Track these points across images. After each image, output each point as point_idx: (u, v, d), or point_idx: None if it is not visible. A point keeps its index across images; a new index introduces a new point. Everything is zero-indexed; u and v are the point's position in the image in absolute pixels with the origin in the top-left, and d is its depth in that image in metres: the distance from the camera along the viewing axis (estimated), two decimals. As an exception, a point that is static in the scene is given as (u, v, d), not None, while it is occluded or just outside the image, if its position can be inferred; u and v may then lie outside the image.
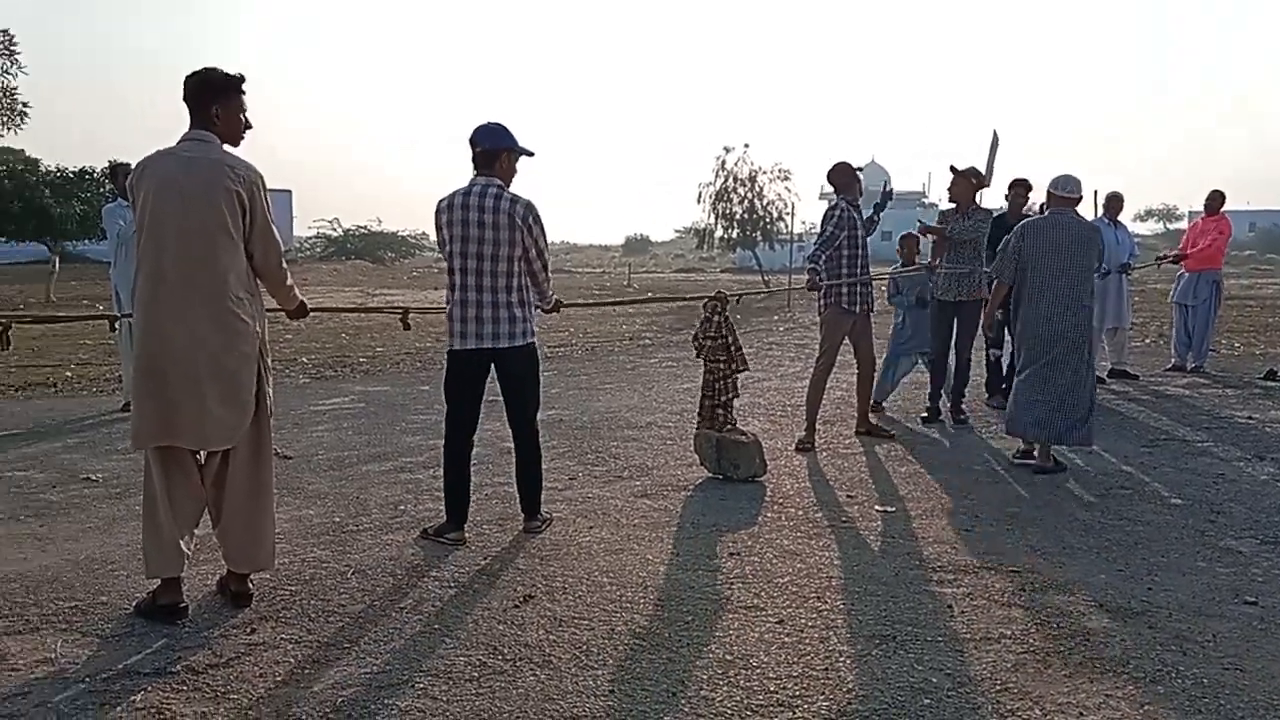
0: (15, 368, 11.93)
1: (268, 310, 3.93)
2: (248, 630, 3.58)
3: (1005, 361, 8.35)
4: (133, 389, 3.82)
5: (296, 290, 4.08)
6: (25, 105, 10.65)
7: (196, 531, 3.86)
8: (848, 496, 5.50)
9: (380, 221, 54.06)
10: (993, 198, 8.65)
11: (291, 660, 3.35)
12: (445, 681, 3.19)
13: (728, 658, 3.37)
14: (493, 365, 4.66)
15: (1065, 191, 6.13)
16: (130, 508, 5.18)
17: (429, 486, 5.59)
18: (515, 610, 3.79)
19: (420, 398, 9.00)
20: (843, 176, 6.80)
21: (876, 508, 5.27)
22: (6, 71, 10.52)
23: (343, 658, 3.37)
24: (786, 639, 3.53)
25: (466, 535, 4.65)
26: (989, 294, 7.85)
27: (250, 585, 3.88)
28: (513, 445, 4.88)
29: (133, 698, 3.06)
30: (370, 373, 11.19)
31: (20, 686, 3.13)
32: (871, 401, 7.51)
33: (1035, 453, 6.15)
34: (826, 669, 3.29)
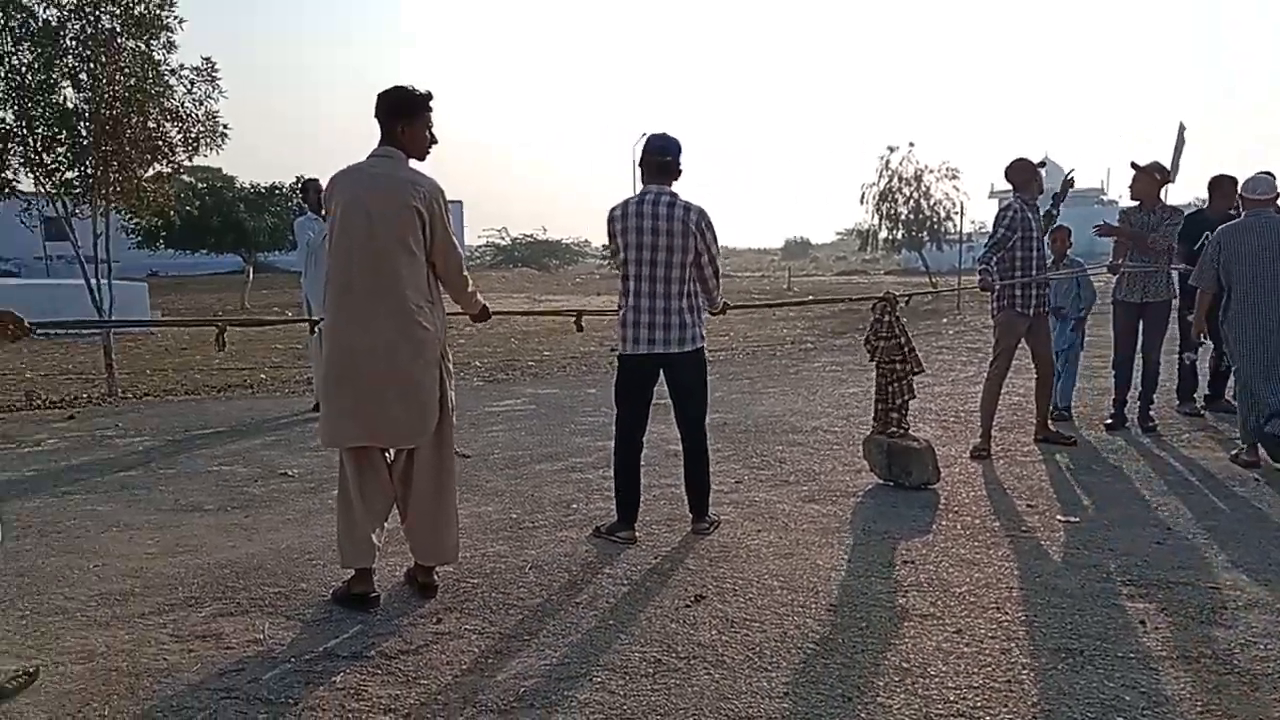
0: (217, 370, 12.86)
1: (450, 314, 4.12)
2: (434, 620, 3.76)
3: (1205, 366, 7.87)
4: (322, 392, 4.08)
5: (479, 295, 4.28)
6: (226, 127, 11.47)
7: (386, 525, 4.08)
8: (1027, 505, 5.30)
9: (545, 230, 55.63)
10: (1177, 194, 8.21)
11: (475, 649, 3.50)
12: (621, 676, 3.26)
13: (904, 665, 3.31)
14: (661, 370, 4.73)
15: (1259, 194, 5.88)
16: (323, 501, 5.51)
17: (599, 486, 5.71)
18: (687, 609, 3.83)
19: (587, 400, 9.20)
20: (1020, 174, 6.55)
21: (1059, 517, 5.06)
22: (209, 96, 11.33)
23: (523, 649, 3.50)
24: (965, 649, 3.44)
25: (637, 534, 4.74)
26: (1177, 295, 7.43)
27: (436, 577, 4.07)
28: (680, 448, 4.94)
29: (333, 679, 3.27)
30: (539, 376, 11.51)
31: (235, 663, 3.39)
32: (1052, 407, 7.21)
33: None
34: (1009, 681, 3.19)
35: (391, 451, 4.04)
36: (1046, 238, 6.91)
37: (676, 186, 4.71)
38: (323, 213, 8.69)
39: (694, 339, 4.68)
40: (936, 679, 3.21)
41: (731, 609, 3.83)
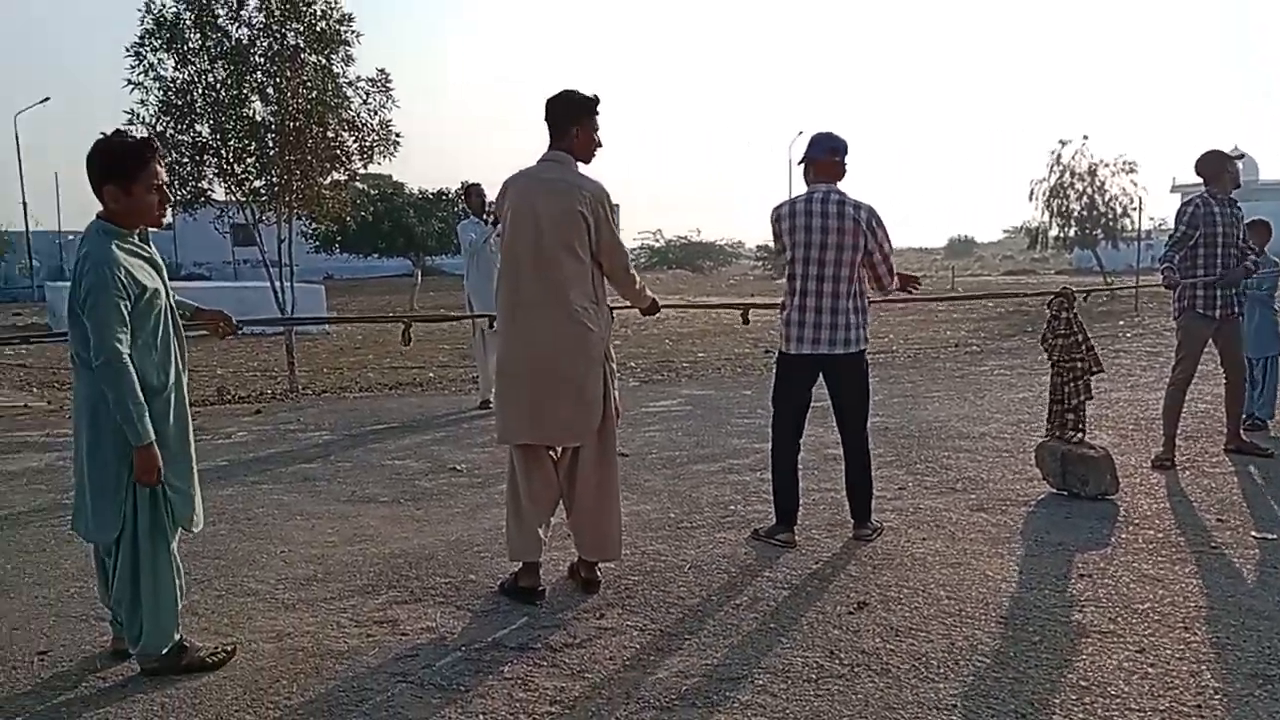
0: (388, 369, 13.46)
1: (616, 306, 4.19)
2: (597, 615, 3.83)
3: None
4: (495, 391, 4.25)
5: (647, 290, 4.37)
6: (398, 136, 12.03)
7: (552, 520, 4.17)
8: (1217, 520, 4.97)
9: (699, 232, 55.79)
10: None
11: (637, 646, 3.54)
12: (783, 680, 3.23)
13: (1082, 683, 3.16)
14: (821, 372, 4.68)
15: None
16: (490, 496, 5.69)
17: (756, 488, 5.68)
18: (850, 616, 3.77)
19: (743, 401, 9.18)
20: (1211, 166, 6.15)
21: (1253, 534, 4.72)
22: (383, 106, 11.92)
23: (683, 647, 3.52)
24: (1150, 669, 3.26)
25: (796, 538, 4.69)
26: None
27: (599, 573, 4.14)
28: (841, 451, 4.87)
29: (501, 668, 3.37)
30: (694, 377, 11.55)
31: (410, 649, 3.54)
32: (1246, 415, 6.73)
33: None
34: (1199, 705, 3.00)
35: (558, 449, 4.14)
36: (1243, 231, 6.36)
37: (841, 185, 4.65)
38: (484, 216, 9.02)
39: (859, 340, 4.61)
40: (1118, 699, 3.05)
41: (896, 617, 3.74)
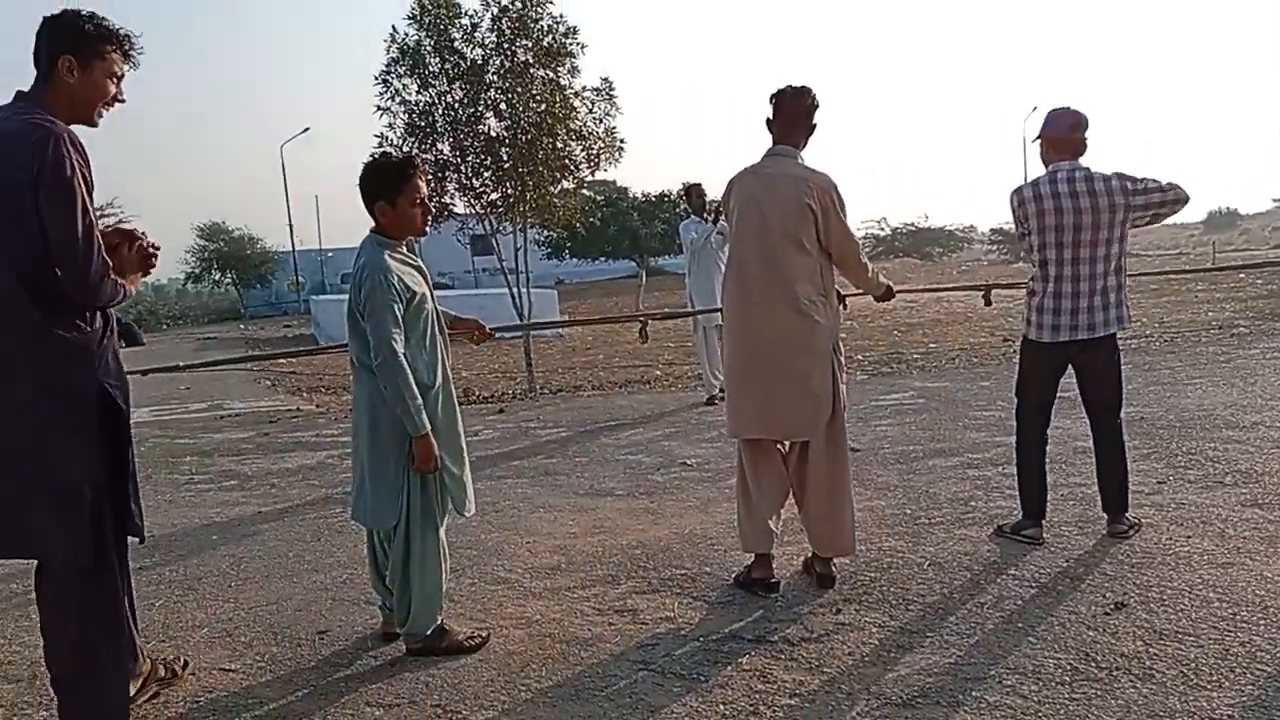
0: (619, 368, 13.87)
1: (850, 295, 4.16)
2: (834, 610, 3.80)
3: None
4: (727, 386, 4.32)
5: (880, 277, 4.33)
6: (622, 142, 12.39)
7: (783, 514, 4.18)
8: None
9: (928, 218, 53.92)
10: None
11: (875, 642, 3.49)
12: (1034, 681, 3.09)
13: (1384, 698, 2.84)
14: (1071, 361, 4.44)
15: None
16: (721, 490, 5.76)
17: (999, 483, 5.45)
18: (1106, 617, 3.55)
19: (980, 393, 8.80)
20: None
21: None
22: (608, 114, 12.31)
23: (924, 644, 3.43)
24: None
25: (1045, 535, 4.46)
26: None
27: (833, 568, 4.11)
28: (1091, 443, 4.59)
29: (739, 660, 3.41)
30: (925, 369, 11.20)
31: (650, 638, 3.65)
32: None
33: None
34: None
35: (787, 443, 4.15)
36: None
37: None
38: (704, 215, 9.13)
39: (1121, 319, 4.36)
40: None
41: (1159, 619, 3.50)
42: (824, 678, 3.23)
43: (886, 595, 3.92)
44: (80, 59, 2.83)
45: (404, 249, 3.60)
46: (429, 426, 3.43)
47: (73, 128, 2.81)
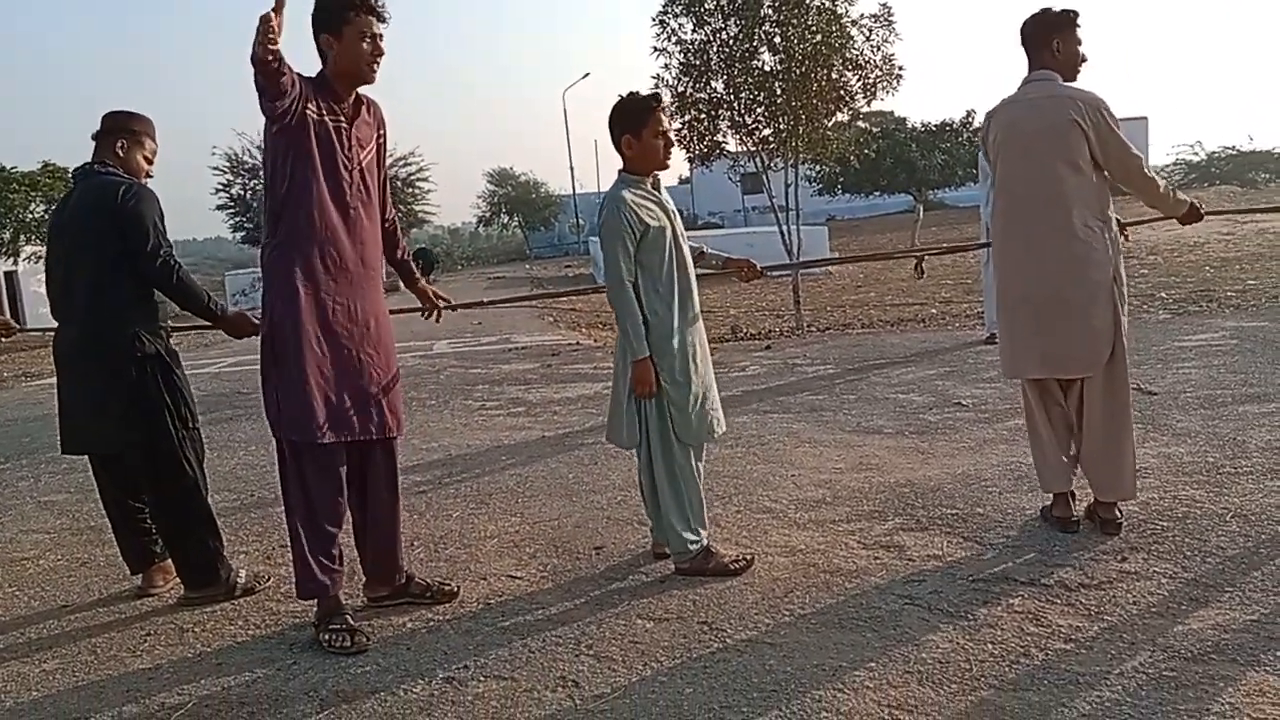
0: (890, 306, 13.52)
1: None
2: (1118, 557, 3.58)
3: None
4: (1000, 324, 4.14)
5: (1177, 193, 3.99)
6: (900, 69, 11.87)
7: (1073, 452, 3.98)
8: None
9: (1251, 139, 48.08)
10: None
11: (1164, 592, 3.26)
12: (1353, 648, 2.79)
13: None
14: None
15: None
16: (998, 431, 5.53)
17: (1324, 433, 4.88)
18: None
19: (1307, 335, 7.85)
20: None
21: None
22: (886, 41, 11.83)
23: (1221, 599, 3.17)
24: None
25: (1377, 491, 3.97)
26: None
27: (1118, 514, 3.86)
28: None
29: (1010, 600, 3.30)
30: (1240, 307, 10.10)
31: (915, 574, 3.60)
32: None
33: None
34: None
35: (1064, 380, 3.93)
36: None
37: None
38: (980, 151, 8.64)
39: None
40: None
41: None
42: (1103, 625, 3.07)
43: (1180, 545, 3.64)
44: (333, 33, 3.23)
45: (647, 185, 3.74)
46: (647, 352, 3.60)
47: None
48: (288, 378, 3.26)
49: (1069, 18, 3.84)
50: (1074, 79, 3.85)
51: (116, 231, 3.66)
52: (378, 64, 3.30)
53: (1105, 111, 3.72)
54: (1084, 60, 3.86)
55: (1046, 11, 3.86)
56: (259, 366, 3.38)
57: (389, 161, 3.90)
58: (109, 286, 3.70)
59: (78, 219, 3.76)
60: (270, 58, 2.87)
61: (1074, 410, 3.92)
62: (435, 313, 4.02)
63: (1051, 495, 3.97)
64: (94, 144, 3.90)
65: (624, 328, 3.62)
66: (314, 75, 3.28)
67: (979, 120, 8.73)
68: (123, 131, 3.88)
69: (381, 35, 3.29)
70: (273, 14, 2.85)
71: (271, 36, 2.83)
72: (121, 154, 3.85)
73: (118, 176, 3.79)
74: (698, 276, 3.84)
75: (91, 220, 3.71)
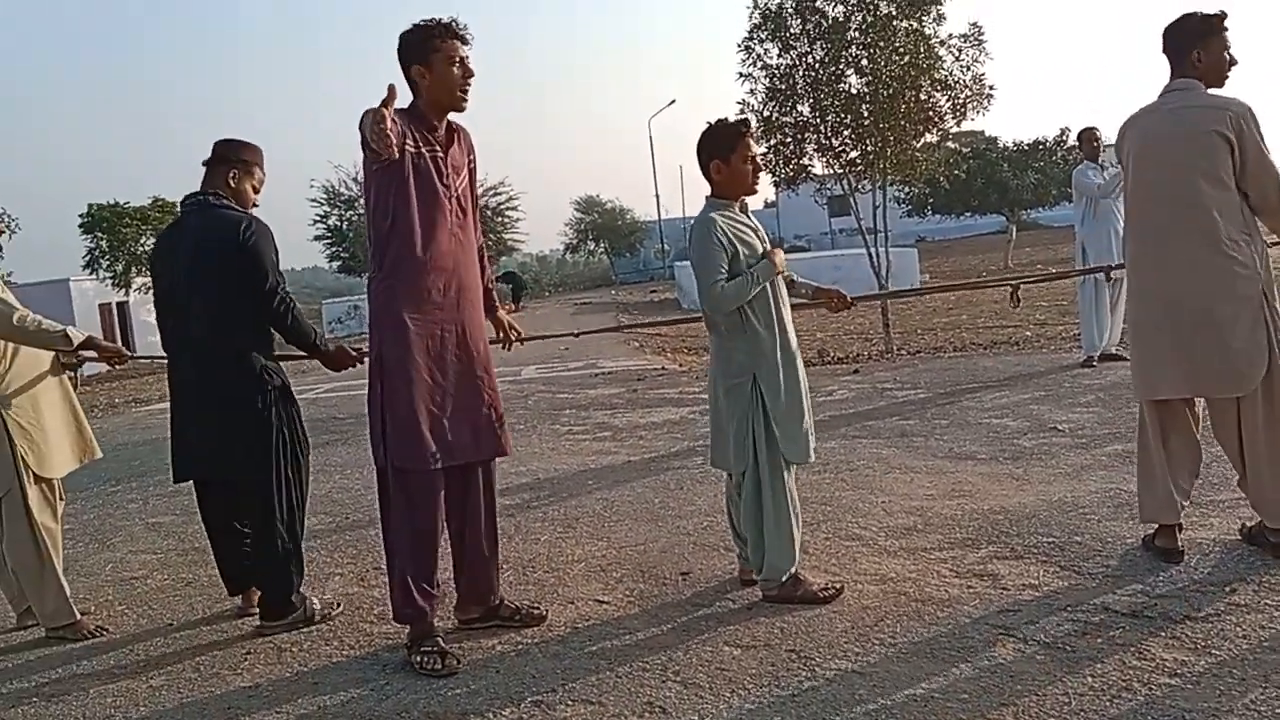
0: (983, 329, 13.24)
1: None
2: (1226, 589, 3.43)
3: None
4: (1134, 344, 3.97)
5: None
6: (991, 89, 11.67)
7: (1198, 479, 3.88)
8: None
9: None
10: None
11: (1276, 627, 3.11)
12: None
13: None
14: None
15: None
16: (1096, 457, 5.37)
17: None
18: None
19: None
20: None
21: None
22: (976, 61, 11.65)
23: (1342, 638, 3.01)
24: None
25: None
26: None
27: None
28: None
29: (1111, 633, 3.19)
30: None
31: (1011, 604, 3.50)
32: None
33: None
34: None
35: (1201, 402, 3.81)
36: None
37: None
38: (1099, 160, 8.45)
39: None
40: None
41: None
42: (1211, 660, 2.94)
43: (1297, 579, 3.47)
44: (423, 63, 3.33)
45: (736, 209, 3.77)
46: (761, 285, 3.64)
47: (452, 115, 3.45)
48: (398, 410, 3.34)
49: (1211, 24, 3.66)
50: (1220, 85, 3.69)
51: (236, 268, 3.77)
52: (469, 87, 3.39)
53: (1251, 122, 3.55)
54: (1233, 64, 3.70)
55: (1187, 19, 3.70)
56: (366, 394, 3.47)
57: (479, 191, 4.01)
58: (230, 319, 3.81)
59: (196, 251, 3.84)
60: (385, 151, 3.04)
61: (1230, 434, 3.73)
62: (507, 343, 4.13)
63: (1155, 524, 3.83)
64: (204, 169, 4.00)
65: (739, 293, 3.58)
66: (407, 107, 3.38)
67: (1073, 139, 8.50)
68: (235, 162, 3.99)
69: (468, 58, 3.38)
70: (384, 108, 2.98)
71: (383, 128, 2.97)
72: (233, 184, 3.96)
73: (234, 211, 3.89)
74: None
75: (214, 255, 3.79)
